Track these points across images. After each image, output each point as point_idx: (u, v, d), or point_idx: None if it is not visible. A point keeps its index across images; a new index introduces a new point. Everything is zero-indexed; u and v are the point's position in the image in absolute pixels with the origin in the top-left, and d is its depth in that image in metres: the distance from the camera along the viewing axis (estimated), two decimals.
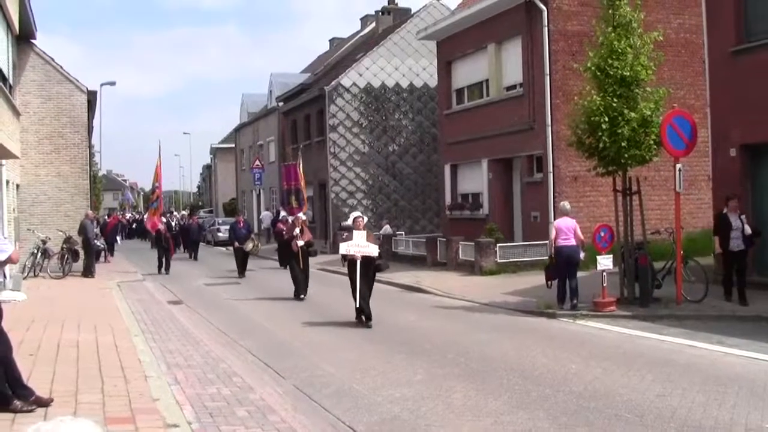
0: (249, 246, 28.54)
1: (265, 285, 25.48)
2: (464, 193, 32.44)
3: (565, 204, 18.73)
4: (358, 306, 16.26)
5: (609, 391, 9.85)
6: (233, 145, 70.27)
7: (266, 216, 47.95)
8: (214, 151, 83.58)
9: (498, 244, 25.98)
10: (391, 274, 24.56)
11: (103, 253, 35.78)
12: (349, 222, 17.12)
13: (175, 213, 53.17)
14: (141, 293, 23.59)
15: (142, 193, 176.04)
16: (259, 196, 56.75)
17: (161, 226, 30.96)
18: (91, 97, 31.23)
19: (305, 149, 43.13)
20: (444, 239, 29.24)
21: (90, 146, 36.04)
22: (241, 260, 28.90)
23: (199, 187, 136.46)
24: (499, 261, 25.62)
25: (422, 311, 18.43)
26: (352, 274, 16.49)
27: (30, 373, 9.98)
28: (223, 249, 47.90)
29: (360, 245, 16.29)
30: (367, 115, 42.14)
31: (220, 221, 56.74)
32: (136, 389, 9.59)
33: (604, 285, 16.60)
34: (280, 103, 52.57)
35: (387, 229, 35.52)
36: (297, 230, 21.58)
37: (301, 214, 23.01)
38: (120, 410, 8.55)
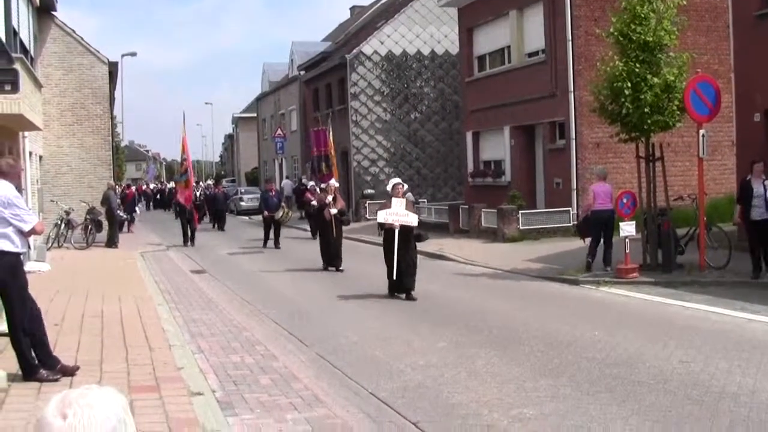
0: (279, 214, 28.04)
1: (291, 255, 25.52)
2: (486, 160, 32.32)
3: (602, 168, 18.74)
4: (394, 278, 15.52)
5: (632, 357, 9.83)
6: (255, 115, 70.32)
7: (287, 185, 47.95)
8: (236, 121, 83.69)
9: (520, 211, 25.93)
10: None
11: (126, 224, 35.90)
12: (389, 188, 16.18)
13: (200, 183, 52.77)
14: (164, 263, 23.75)
15: (164, 163, 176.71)
16: (281, 164, 56.79)
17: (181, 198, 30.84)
18: (113, 69, 31.27)
19: (327, 116, 43.02)
20: (466, 207, 29.19)
21: (112, 117, 36.09)
22: (269, 228, 28.59)
23: (221, 156, 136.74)
24: (521, 228, 25.59)
25: (445, 279, 18.43)
26: (388, 245, 15.69)
27: (55, 343, 10.08)
28: (246, 218, 48.12)
29: (399, 214, 15.48)
30: (388, 83, 41.99)
31: (243, 190, 56.93)
32: (160, 358, 9.67)
33: (627, 251, 16.53)
34: (302, 72, 52.49)
35: (409, 196, 35.39)
36: (329, 198, 20.83)
37: (332, 181, 21.92)
38: (144, 379, 8.63)
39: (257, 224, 37.95)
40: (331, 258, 20.71)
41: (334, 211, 20.63)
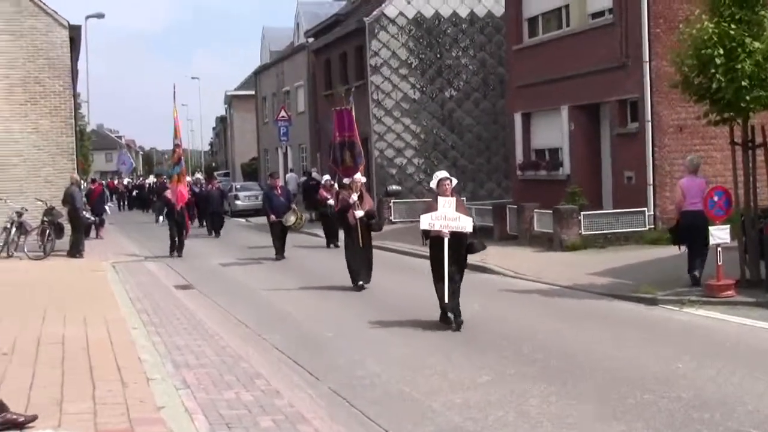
0: (290, 219, 27.33)
1: (298, 267, 25.46)
2: (539, 148, 32.24)
3: (695, 158, 18.53)
4: (446, 301, 14.78)
5: (726, 398, 9.74)
6: (253, 92, 70.48)
7: (291, 179, 48.01)
8: (230, 100, 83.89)
9: (582, 212, 25.79)
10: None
11: (93, 228, 35.98)
12: (433, 184, 15.53)
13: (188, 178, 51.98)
14: (141, 276, 23.76)
15: (141, 152, 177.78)
16: (285, 154, 56.85)
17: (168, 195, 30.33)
18: (75, 34, 31.09)
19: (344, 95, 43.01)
20: (514, 206, 29.07)
21: (75, 95, 36.22)
22: (280, 237, 27.72)
23: (211, 144, 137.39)
24: (583, 233, 25.46)
25: (489, 296, 18.35)
26: (437, 256, 15.01)
27: (2, 378, 10.07)
28: (243, 221, 48.21)
29: (448, 217, 14.73)
30: (417, 52, 41.92)
31: (238, 186, 56.82)
32: (135, 395, 9.65)
33: (720, 263, 16.37)
34: (310, 40, 52.53)
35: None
36: (354, 196, 20.40)
37: (358, 176, 21.45)
38: (116, 421, 8.61)
39: (256, 228, 38.12)
40: (359, 271, 20.20)
41: (360, 213, 20.19)
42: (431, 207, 15.16)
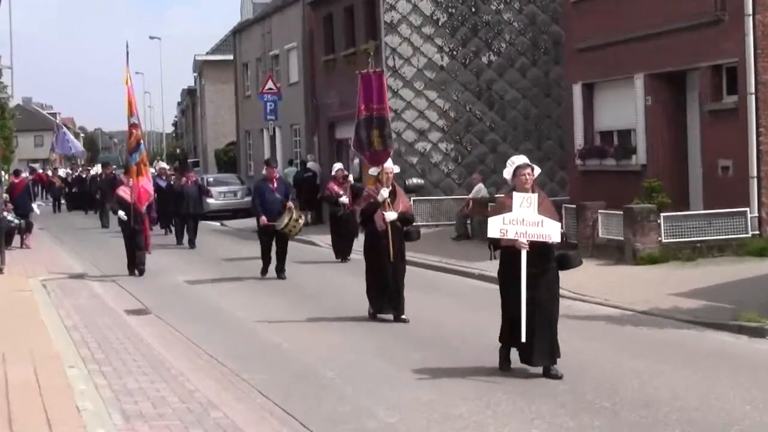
0: (284, 221, 26.18)
1: (293, 287, 25.28)
2: (605, 130, 32.31)
3: None
4: (523, 340, 14.06)
5: None
6: (230, 57, 70.50)
7: (292, 174, 47.80)
8: (200, 68, 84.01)
9: (662, 214, 25.70)
10: (490, 263, 23.87)
11: (16, 234, 35.91)
12: (507, 174, 14.63)
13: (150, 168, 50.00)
14: (81, 298, 23.73)
15: (81, 134, 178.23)
16: (273, 137, 56.61)
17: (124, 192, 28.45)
18: None
19: (347, 60, 42.99)
20: (573, 206, 29.02)
21: None
22: (268, 246, 26.79)
23: (175, 125, 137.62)
24: (664, 241, 25.37)
25: None
26: (509, 277, 14.41)
27: None
28: (216, 224, 48.23)
29: (527, 221, 14.04)
30: (445, 5, 41.82)
31: (211, 179, 56.58)
32: None
33: None
34: None
35: (480, 189, 35.37)
36: (385, 192, 19.32)
37: (389, 164, 20.24)
38: None
39: (234, 235, 37.95)
40: (387, 299, 19.34)
41: (393, 215, 19.27)
42: (503, 206, 14.47)
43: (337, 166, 31.60)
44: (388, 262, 19.36)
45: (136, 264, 28.14)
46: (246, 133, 65.05)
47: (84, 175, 67.57)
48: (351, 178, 27.17)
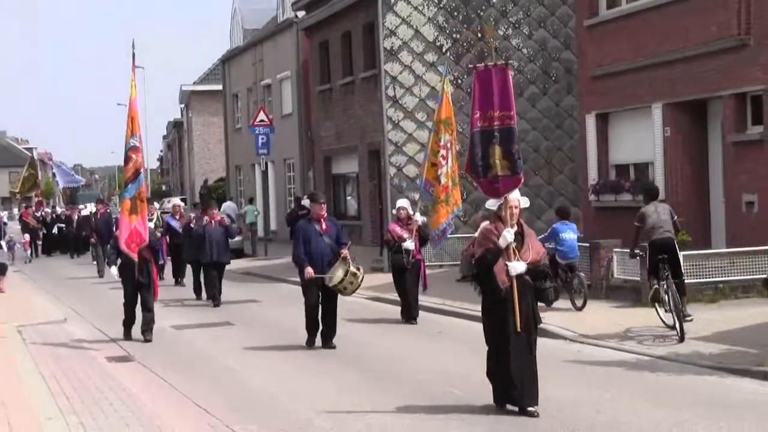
0: (337, 275, 22.14)
1: (282, 325, 25.33)
2: (621, 163, 32.45)
3: None
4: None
5: None
6: (219, 88, 70.76)
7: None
8: (187, 99, 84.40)
9: (682, 253, 25.63)
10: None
11: None
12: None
13: (156, 205, 45.40)
14: (59, 344, 23.76)
15: (62, 166, 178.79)
16: (265, 172, 56.69)
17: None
18: None
19: (344, 90, 42.96)
20: (586, 244, 28.96)
21: None
22: (315, 305, 22.49)
23: (161, 160, 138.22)
24: (684, 281, 25.30)
25: (549, 370, 17.96)
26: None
27: None
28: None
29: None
30: (448, 30, 41.87)
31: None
32: None
33: None
34: (300, 13, 52.68)
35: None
36: (510, 234, 15.87)
37: (515, 195, 16.74)
38: None
39: (228, 277, 37.74)
40: (510, 386, 15.33)
41: (521, 267, 15.60)
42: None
43: (401, 203, 27.20)
44: (513, 335, 15.43)
45: (141, 326, 24.30)
46: (236, 169, 65.39)
47: (69, 214, 63.98)
48: (418, 217, 25.26)
